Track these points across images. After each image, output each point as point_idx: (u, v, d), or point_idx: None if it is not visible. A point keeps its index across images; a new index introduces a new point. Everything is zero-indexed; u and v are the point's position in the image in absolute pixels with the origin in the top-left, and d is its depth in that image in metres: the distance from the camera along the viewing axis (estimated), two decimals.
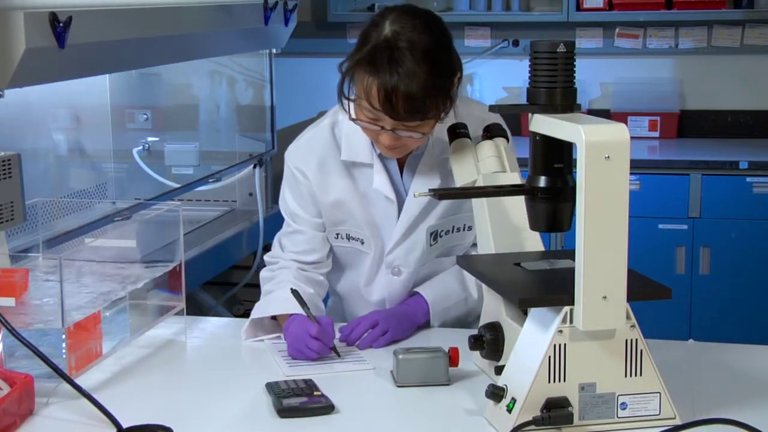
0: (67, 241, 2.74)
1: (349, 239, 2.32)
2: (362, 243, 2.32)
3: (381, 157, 2.25)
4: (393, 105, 2.01)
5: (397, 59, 2.00)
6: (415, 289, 2.33)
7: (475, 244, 2.32)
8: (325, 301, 2.40)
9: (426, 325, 2.30)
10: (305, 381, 1.92)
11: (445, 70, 2.05)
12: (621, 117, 4.74)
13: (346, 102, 2.11)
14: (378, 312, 2.26)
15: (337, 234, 2.33)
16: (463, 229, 2.32)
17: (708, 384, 1.97)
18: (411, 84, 1.99)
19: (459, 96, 2.15)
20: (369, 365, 2.07)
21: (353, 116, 2.12)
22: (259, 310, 2.24)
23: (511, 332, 1.88)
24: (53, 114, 3.34)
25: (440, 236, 2.31)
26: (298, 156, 2.31)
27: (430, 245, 2.30)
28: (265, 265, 2.39)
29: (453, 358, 1.97)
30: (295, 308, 2.15)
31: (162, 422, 1.74)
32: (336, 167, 2.28)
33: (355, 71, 2.06)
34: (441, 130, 2.18)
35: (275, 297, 2.24)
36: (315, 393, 1.87)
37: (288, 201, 2.34)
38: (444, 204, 2.27)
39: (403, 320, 2.25)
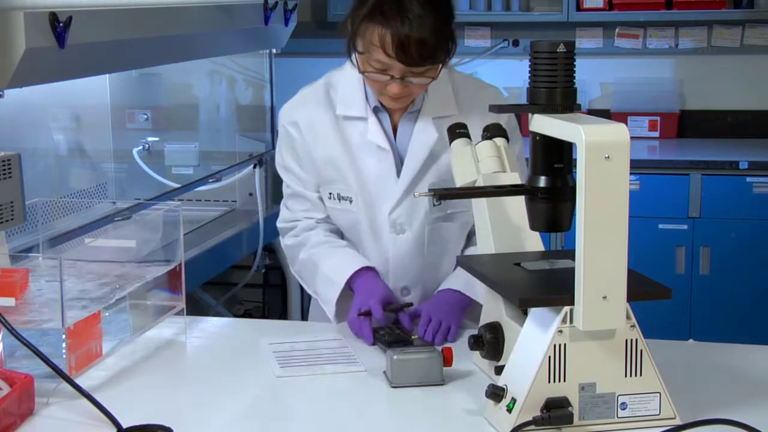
0: (67, 241, 2.74)
1: (339, 200, 2.34)
2: (350, 202, 2.33)
3: (375, 111, 2.29)
4: (406, 51, 2.09)
5: (404, 7, 2.09)
6: (441, 288, 2.30)
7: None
8: None
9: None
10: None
11: (448, 14, 2.16)
12: (621, 117, 4.74)
13: (355, 56, 2.17)
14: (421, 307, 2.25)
15: (330, 194, 2.35)
16: None
17: (708, 384, 1.97)
18: (422, 29, 2.09)
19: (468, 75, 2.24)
20: (360, 367, 2.05)
21: (362, 69, 2.17)
22: (332, 283, 2.29)
23: (511, 332, 1.88)
24: (53, 114, 3.34)
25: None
26: (291, 111, 2.37)
27: (434, 204, 2.27)
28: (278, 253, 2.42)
29: (447, 357, 1.96)
30: (358, 263, 2.25)
31: (162, 422, 1.74)
32: (328, 123, 2.32)
33: (363, 25, 2.13)
34: (435, 90, 2.26)
35: (334, 264, 2.30)
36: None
37: (285, 158, 2.37)
38: (445, 162, 2.26)
39: (444, 306, 2.23)
